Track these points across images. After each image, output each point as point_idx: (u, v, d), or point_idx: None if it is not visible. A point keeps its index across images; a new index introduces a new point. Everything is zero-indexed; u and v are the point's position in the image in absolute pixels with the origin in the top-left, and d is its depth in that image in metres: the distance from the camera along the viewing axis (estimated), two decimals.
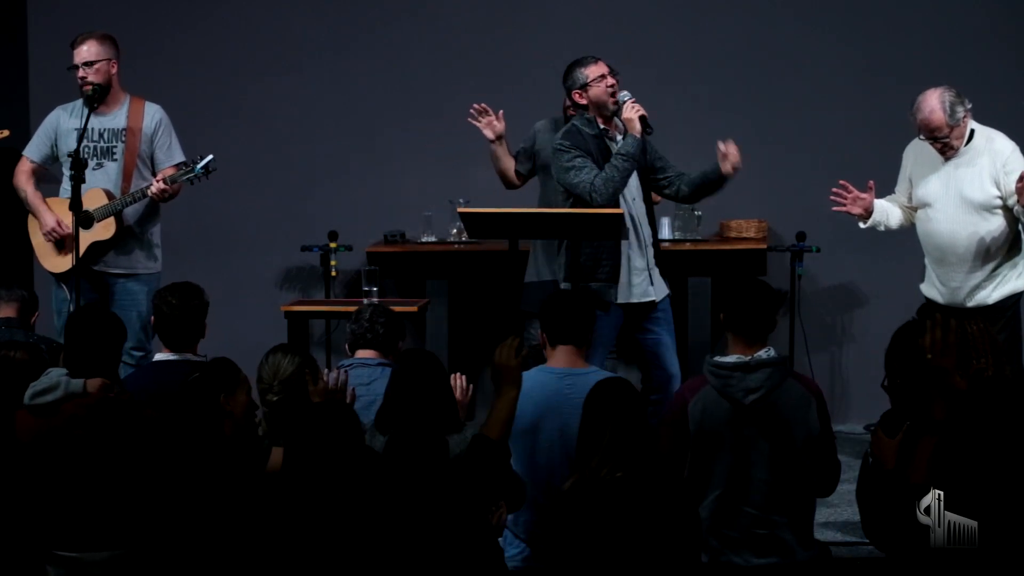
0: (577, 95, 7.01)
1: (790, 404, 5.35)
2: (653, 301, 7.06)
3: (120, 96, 7.48)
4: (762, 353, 5.38)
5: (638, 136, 6.86)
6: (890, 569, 4.85)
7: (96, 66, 7.36)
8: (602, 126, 6.99)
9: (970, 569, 4.62)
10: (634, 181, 7.01)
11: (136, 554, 5.08)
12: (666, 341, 7.13)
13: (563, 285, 7.05)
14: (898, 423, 4.92)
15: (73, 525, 5.11)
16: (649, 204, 7.12)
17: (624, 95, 6.94)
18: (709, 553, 5.32)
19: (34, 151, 7.55)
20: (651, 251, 7.08)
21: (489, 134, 7.75)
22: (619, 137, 6.98)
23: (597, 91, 6.96)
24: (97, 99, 7.35)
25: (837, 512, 6.79)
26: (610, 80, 6.95)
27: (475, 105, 7.68)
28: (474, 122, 7.73)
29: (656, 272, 7.10)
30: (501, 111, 7.69)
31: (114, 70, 7.41)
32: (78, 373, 5.30)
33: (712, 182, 7.09)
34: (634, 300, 7.00)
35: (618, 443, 4.88)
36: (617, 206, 6.89)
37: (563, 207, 7.03)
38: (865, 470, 5.23)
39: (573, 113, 7.55)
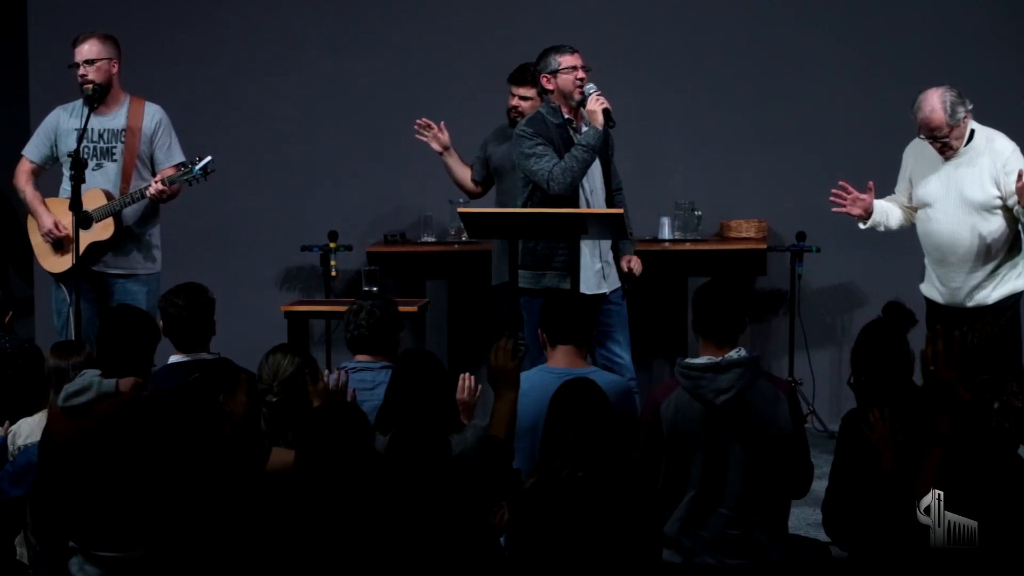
0: (545, 79, 7.06)
1: (762, 404, 5.35)
2: (604, 294, 7.08)
3: (120, 96, 7.48)
4: (733, 353, 5.38)
5: (600, 128, 6.89)
6: (889, 569, 4.85)
7: (97, 64, 7.35)
8: (567, 115, 7.02)
9: (969, 570, 4.63)
10: (597, 173, 7.06)
11: (165, 553, 5.08)
12: (617, 335, 7.14)
13: (522, 272, 7.06)
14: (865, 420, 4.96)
15: (111, 524, 5.11)
16: (610, 197, 7.14)
17: (590, 87, 6.98)
18: (683, 554, 5.32)
19: (33, 151, 7.55)
20: (606, 245, 7.09)
21: (436, 146, 7.89)
22: (584, 128, 7.01)
23: (565, 79, 7.00)
24: (97, 99, 7.34)
25: None
26: (581, 73, 6.99)
27: (418, 120, 7.77)
28: (420, 137, 7.83)
29: (610, 266, 7.12)
30: (443, 122, 7.78)
31: (115, 70, 7.41)
32: (111, 373, 5.30)
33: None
34: (586, 291, 7.02)
35: (580, 444, 4.90)
36: (576, 196, 6.93)
37: (515, 206, 7.09)
38: (841, 465, 5.23)
39: (516, 116, 7.64)
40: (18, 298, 8.85)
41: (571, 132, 7.00)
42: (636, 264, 7.31)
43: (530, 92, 7.70)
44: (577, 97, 6.98)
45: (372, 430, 5.00)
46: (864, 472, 4.93)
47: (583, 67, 7.01)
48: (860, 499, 4.93)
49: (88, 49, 7.37)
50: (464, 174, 7.96)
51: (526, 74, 7.70)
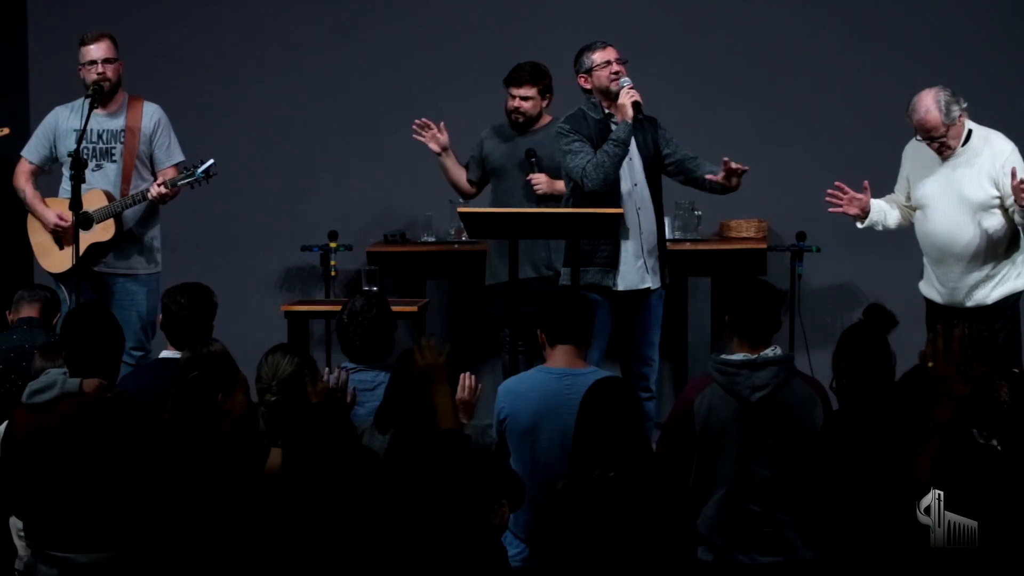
0: (582, 79, 7.08)
1: (796, 402, 5.35)
2: (648, 289, 7.06)
3: (119, 97, 7.49)
4: (768, 351, 5.38)
5: (629, 122, 6.88)
6: (890, 569, 4.85)
7: (115, 64, 7.40)
8: (608, 111, 7.02)
9: (968, 569, 4.64)
10: (639, 167, 7.04)
11: (130, 556, 5.06)
12: (653, 336, 7.13)
13: (563, 271, 7.05)
14: (846, 425, 4.95)
15: (67, 525, 5.09)
16: (656, 191, 7.11)
17: (624, 81, 6.98)
18: (715, 551, 5.33)
19: (32, 152, 7.55)
20: (651, 239, 7.07)
21: (434, 147, 7.83)
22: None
23: (599, 75, 7.02)
24: (105, 97, 7.37)
25: None
26: (615, 67, 7.00)
27: (417, 120, 7.70)
28: (418, 137, 7.78)
29: (656, 261, 7.10)
30: (443, 123, 7.72)
31: (121, 70, 7.45)
32: (77, 373, 5.29)
33: (714, 190, 7.10)
34: (626, 288, 7.00)
35: (612, 443, 4.89)
36: (614, 191, 6.90)
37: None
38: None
39: (518, 118, 7.69)
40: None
41: (613, 126, 6.99)
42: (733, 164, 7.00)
43: (530, 91, 7.71)
44: (615, 90, 6.99)
45: (355, 428, 5.01)
46: (848, 473, 4.93)
47: (617, 60, 7.02)
48: (846, 500, 4.92)
49: (106, 48, 7.41)
50: (460, 175, 7.94)
51: (523, 74, 7.71)
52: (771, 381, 5.32)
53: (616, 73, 7.00)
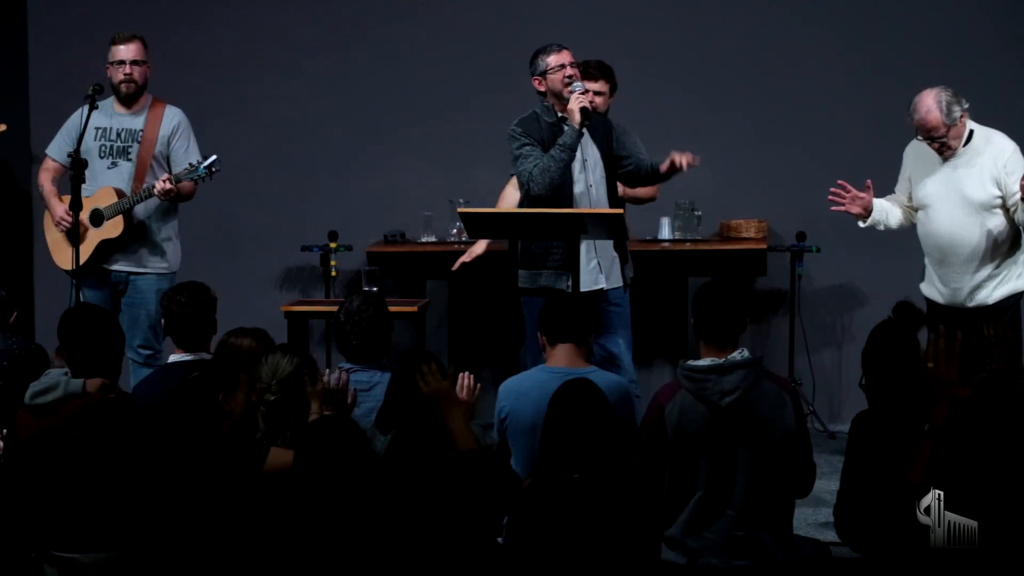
0: (536, 82, 7.04)
1: (766, 404, 5.34)
2: (602, 290, 7.05)
3: (143, 98, 7.52)
4: (736, 355, 5.36)
5: (577, 127, 6.86)
6: (890, 569, 4.85)
7: (142, 67, 7.45)
8: (560, 114, 6.99)
9: (967, 569, 4.63)
10: (593, 169, 7.02)
11: (133, 556, 5.07)
12: (617, 336, 7.11)
13: (520, 272, 7.03)
14: (875, 423, 4.93)
15: (71, 525, 5.10)
16: (612, 193, 7.09)
17: (577, 86, 6.94)
18: (688, 555, 5.31)
19: (57, 151, 7.59)
20: (603, 242, 7.04)
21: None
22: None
23: (553, 79, 6.98)
24: (130, 99, 7.38)
25: None
26: (569, 71, 6.96)
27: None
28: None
29: (612, 262, 7.08)
30: None
31: (148, 73, 7.49)
32: (79, 373, 5.29)
33: (653, 175, 7.07)
34: (581, 289, 6.99)
35: (577, 445, 4.89)
36: (562, 193, 6.89)
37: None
38: (853, 467, 5.22)
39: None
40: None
41: (566, 129, 6.97)
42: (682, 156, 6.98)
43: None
44: (567, 95, 6.96)
45: (366, 438, 5.01)
46: (877, 473, 4.89)
47: (572, 64, 6.99)
48: (874, 501, 4.88)
49: (135, 49, 7.47)
50: (513, 200, 7.49)
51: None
52: (740, 384, 5.31)
53: (570, 77, 6.96)
